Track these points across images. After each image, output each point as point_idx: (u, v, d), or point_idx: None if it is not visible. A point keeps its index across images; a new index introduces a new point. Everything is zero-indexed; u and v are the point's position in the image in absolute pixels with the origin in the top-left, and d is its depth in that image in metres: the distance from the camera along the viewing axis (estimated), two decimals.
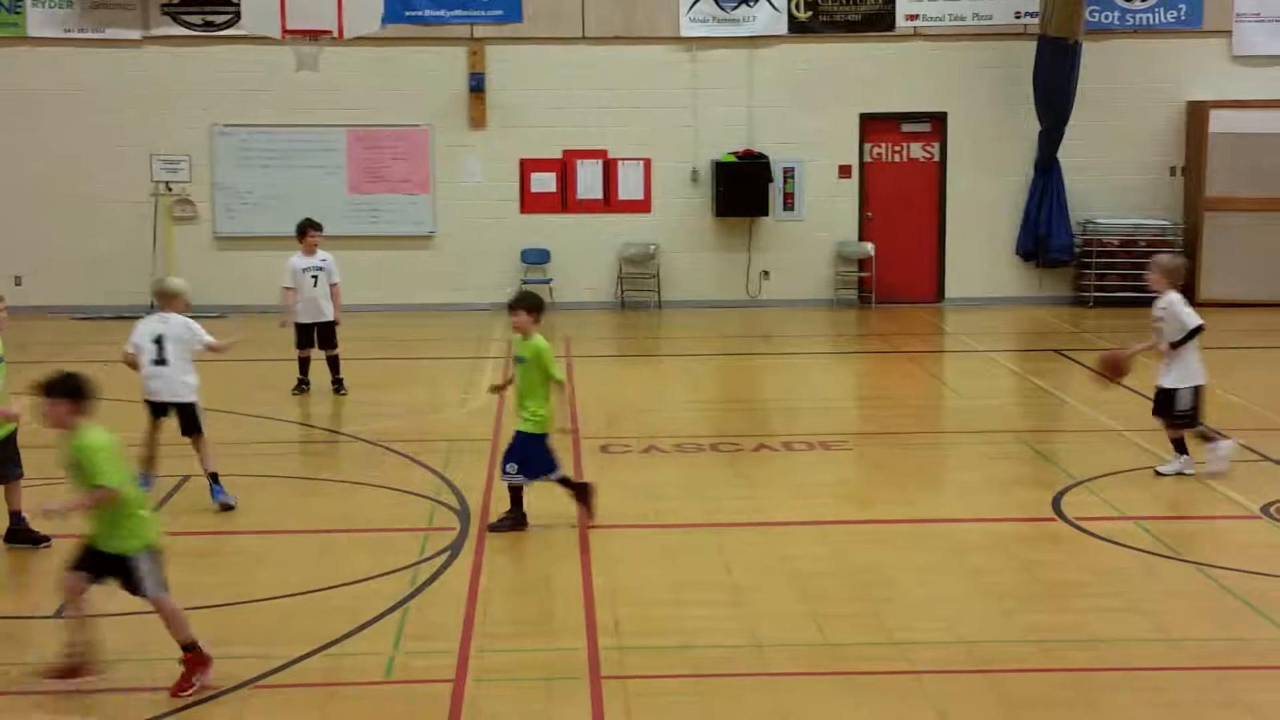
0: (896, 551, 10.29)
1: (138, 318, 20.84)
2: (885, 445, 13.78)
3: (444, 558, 10.06)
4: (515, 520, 10.73)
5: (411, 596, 9.28)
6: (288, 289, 15.56)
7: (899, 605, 9.15)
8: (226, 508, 11.28)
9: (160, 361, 11.39)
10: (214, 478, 11.44)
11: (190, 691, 7.77)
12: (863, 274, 22.40)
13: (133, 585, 7.88)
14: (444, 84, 21.74)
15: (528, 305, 10.57)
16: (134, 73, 21.39)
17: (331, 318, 15.57)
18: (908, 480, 12.46)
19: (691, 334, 20.33)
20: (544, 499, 10.95)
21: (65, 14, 21.20)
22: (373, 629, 8.70)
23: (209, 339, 11.60)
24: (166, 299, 11.79)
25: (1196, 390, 11.93)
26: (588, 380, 16.39)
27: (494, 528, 10.71)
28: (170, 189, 21.62)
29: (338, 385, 15.58)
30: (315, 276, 15.60)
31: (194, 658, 7.87)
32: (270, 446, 13.48)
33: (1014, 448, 13.46)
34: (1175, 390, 11.93)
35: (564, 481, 10.90)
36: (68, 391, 7.96)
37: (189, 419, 11.46)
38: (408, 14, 21.33)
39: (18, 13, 21.14)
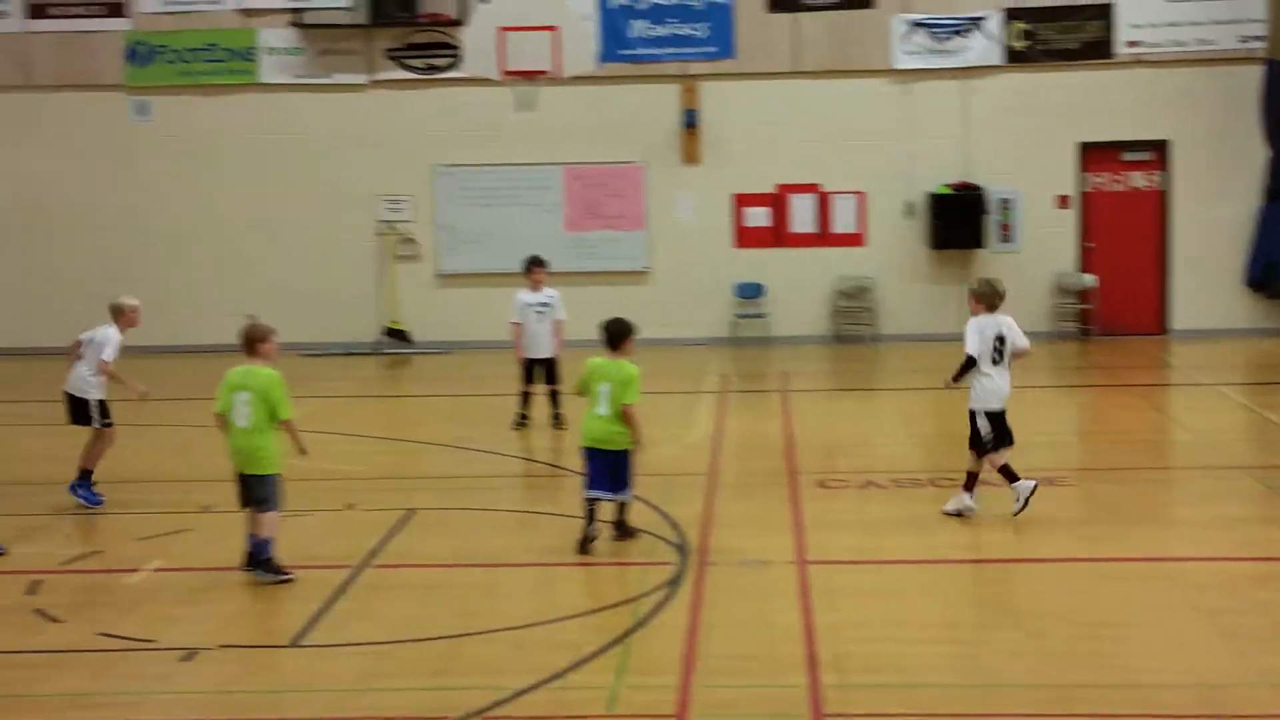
0: (1124, 590, 10.05)
1: (365, 354, 21.66)
2: (1110, 481, 13.48)
3: (664, 592, 10.11)
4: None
5: (633, 630, 9.34)
6: (515, 324, 15.85)
7: (1130, 645, 8.93)
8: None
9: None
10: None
11: None
12: (1083, 305, 21.97)
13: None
14: (658, 121, 21.97)
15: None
16: (359, 116, 22.04)
17: (552, 354, 15.79)
18: (1134, 517, 12.16)
19: (907, 367, 20.15)
20: (757, 537, 10.93)
21: (295, 61, 21.96)
22: (595, 662, 8.78)
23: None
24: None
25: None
26: (804, 414, 16.37)
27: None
28: (394, 228, 22.20)
29: (557, 420, 15.79)
30: (540, 312, 15.87)
31: None
32: (495, 480, 13.72)
33: (1244, 484, 13.06)
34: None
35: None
36: None
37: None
38: (622, 53, 21.63)
39: (251, 60, 21.96)
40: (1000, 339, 11.89)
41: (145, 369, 20.44)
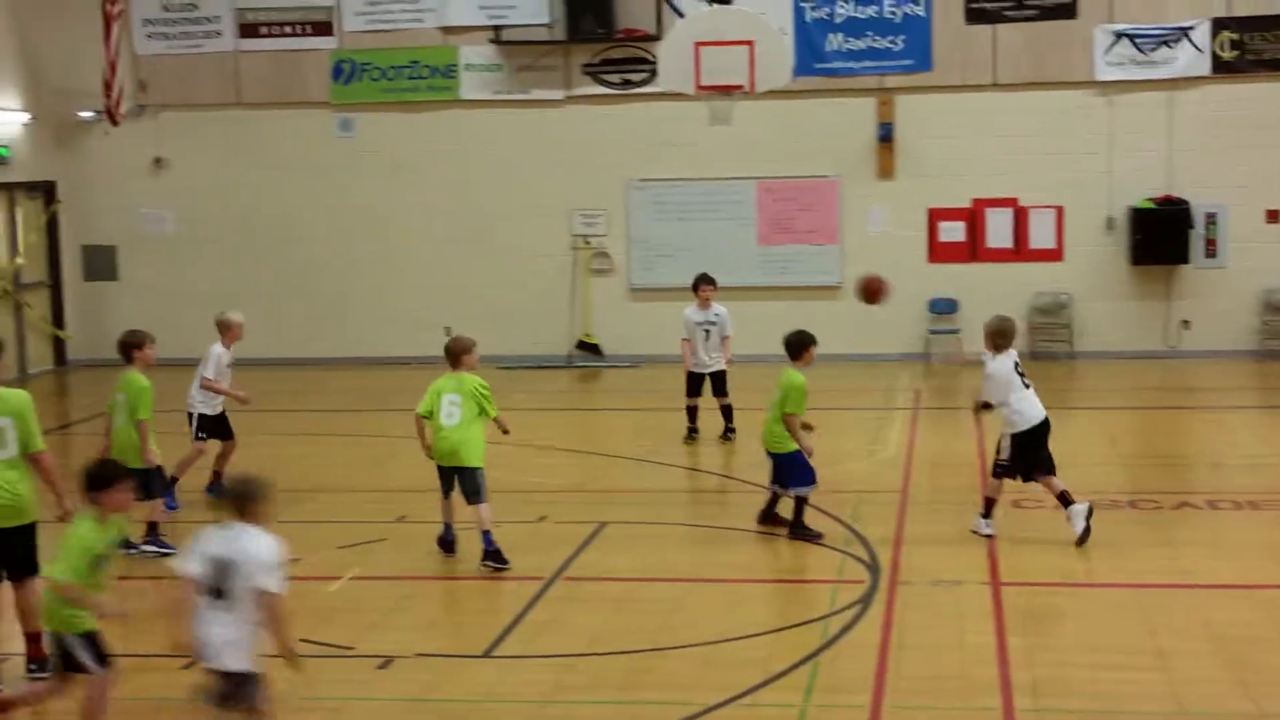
0: None
1: (557, 368, 21.89)
2: None
3: (854, 610, 10.05)
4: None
5: (823, 649, 9.30)
6: (685, 340, 15.96)
7: None
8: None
9: None
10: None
11: None
12: None
13: None
14: (852, 134, 21.82)
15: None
16: (555, 131, 22.28)
17: (720, 367, 15.95)
18: None
19: (1106, 386, 19.70)
20: (949, 557, 10.81)
21: (495, 77, 22.29)
22: (784, 680, 8.76)
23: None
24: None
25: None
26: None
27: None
28: (588, 243, 22.41)
29: (729, 433, 15.84)
30: (708, 330, 15.95)
31: None
32: (685, 495, 13.77)
33: None
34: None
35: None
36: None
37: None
38: (818, 66, 21.54)
39: (452, 78, 22.36)
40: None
41: (338, 380, 21.02)
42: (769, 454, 12.16)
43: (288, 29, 22.54)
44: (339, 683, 8.92)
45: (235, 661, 7.24)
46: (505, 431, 11.85)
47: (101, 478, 7.78)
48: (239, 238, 22.88)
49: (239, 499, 7.50)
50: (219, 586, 7.26)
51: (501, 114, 22.36)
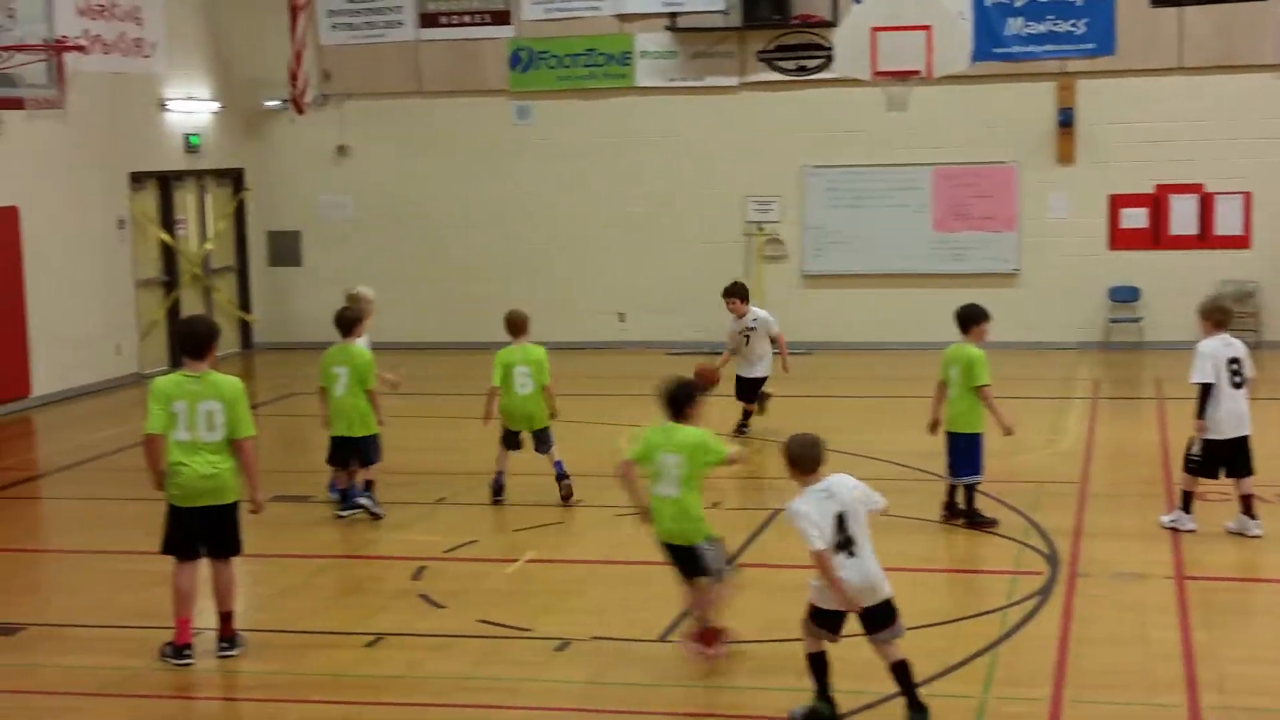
0: None
1: (712, 354, 21.87)
2: None
3: (1033, 602, 9.92)
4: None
5: (1001, 640, 9.21)
6: (729, 352, 16.26)
7: None
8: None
9: None
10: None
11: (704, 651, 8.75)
12: None
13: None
14: (1031, 120, 21.49)
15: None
16: (730, 118, 22.28)
17: (760, 374, 15.97)
18: None
19: None
20: (1130, 550, 10.60)
21: (669, 64, 22.36)
22: (962, 671, 8.69)
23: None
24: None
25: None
26: (1181, 423, 15.73)
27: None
28: (761, 229, 22.38)
29: (740, 428, 16.01)
30: (748, 336, 15.92)
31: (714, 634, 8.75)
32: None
33: None
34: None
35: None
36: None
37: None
38: (996, 51, 21.23)
39: (627, 65, 22.48)
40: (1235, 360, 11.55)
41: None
42: (952, 435, 11.96)
43: (467, 18, 22.85)
44: (516, 664, 9.05)
45: None
46: (553, 414, 12.97)
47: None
48: (417, 223, 23.27)
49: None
50: None
51: (676, 101, 22.42)
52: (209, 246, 22.83)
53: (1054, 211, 21.64)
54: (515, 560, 11.29)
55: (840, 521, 7.84)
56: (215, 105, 22.81)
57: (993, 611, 9.76)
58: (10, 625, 9.91)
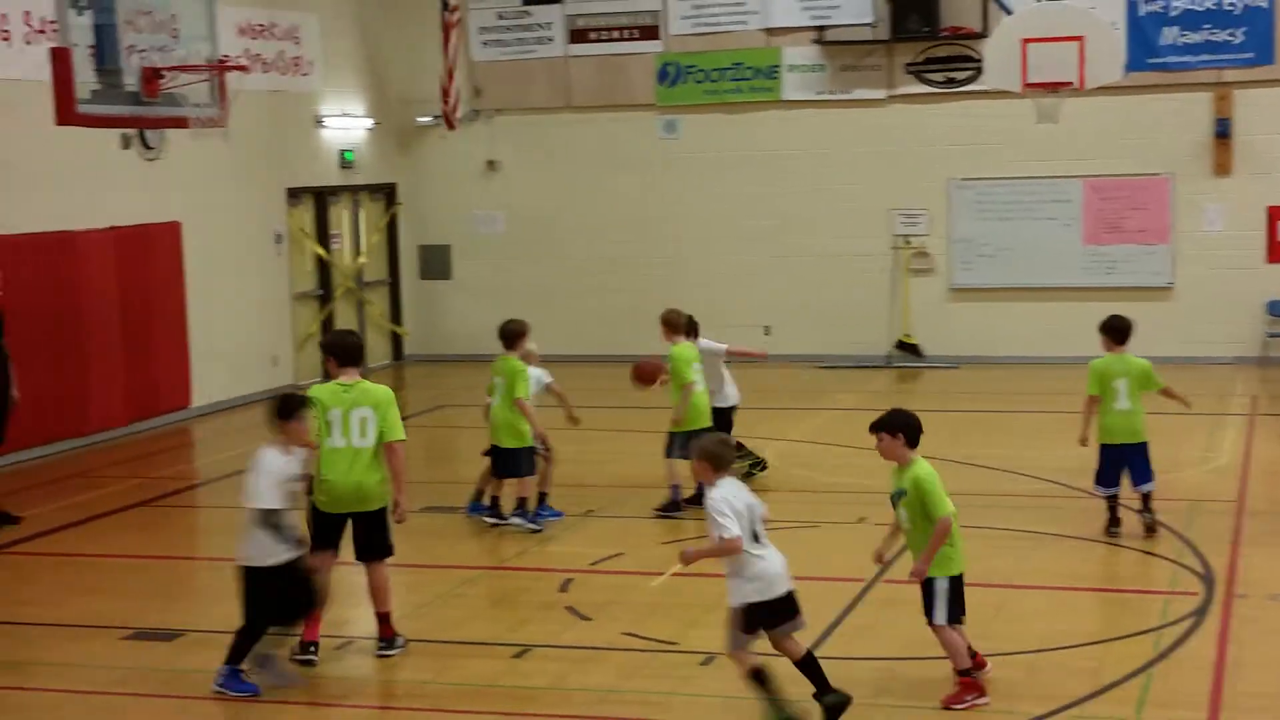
0: None
1: (876, 367, 21.79)
2: None
3: (1188, 623, 9.75)
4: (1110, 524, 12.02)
5: (1155, 662, 9.06)
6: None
7: None
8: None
9: None
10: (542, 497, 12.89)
11: (959, 706, 8.30)
12: None
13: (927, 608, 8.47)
14: (1186, 131, 21.09)
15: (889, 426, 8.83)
16: (877, 131, 22.17)
17: (726, 404, 14.21)
18: None
19: None
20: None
21: (817, 77, 22.32)
22: (1114, 693, 8.56)
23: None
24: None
25: None
26: None
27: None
28: (909, 242, 22.24)
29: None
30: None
31: (967, 682, 8.37)
32: (1006, 499, 13.54)
33: None
34: None
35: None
36: (901, 426, 8.64)
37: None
38: (1151, 61, 20.87)
39: (774, 78, 22.48)
40: None
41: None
42: (1136, 445, 11.96)
43: (615, 34, 23.03)
44: (663, 678, 9.11)
45: None
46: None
47: None
48: (565, 237, 23.49)
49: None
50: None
51: (823, 114, 22.37)
52: (362, 260, 23.25)
53: (1210, 224, 21.21)
54: (662, 573, 11.32)
55: (751, 514, 8.13)
56: (369, 122, 23.24)
57: (1146, 632, 9.61)
58: (170, 630, 10.20)
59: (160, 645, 9.93)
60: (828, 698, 8.09)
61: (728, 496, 8.06)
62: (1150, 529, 12.04)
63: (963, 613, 8.54)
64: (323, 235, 22.29)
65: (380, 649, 9.42)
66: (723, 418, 13.79)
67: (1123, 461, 12.04)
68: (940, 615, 8.41)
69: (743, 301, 22.73)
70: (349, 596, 10.22)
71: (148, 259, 18.23)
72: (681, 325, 13.56)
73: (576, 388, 18.77)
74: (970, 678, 8.36)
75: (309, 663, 9.28)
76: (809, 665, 8.14)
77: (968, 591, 10.66)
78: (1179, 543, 11.75)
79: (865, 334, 22.28)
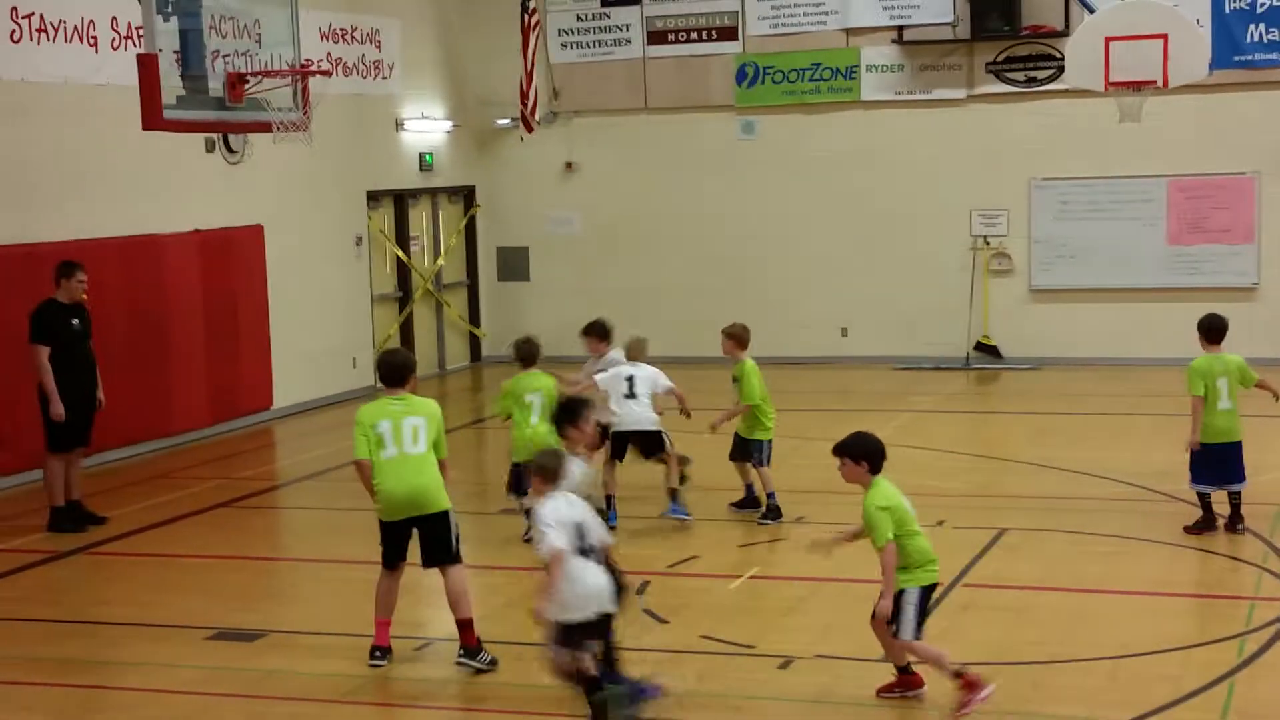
0: None
1: (955, 369, 21.65)
2: None
3: (1273, 629, 9.62)
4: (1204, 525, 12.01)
5: (1239, 669, 8.94)
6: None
7: None
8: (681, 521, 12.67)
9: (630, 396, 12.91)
10: (673, 494, 12.79)
11: (971, 707, 8.18)
12: None
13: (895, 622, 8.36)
14: (1272, 129, 20.79)
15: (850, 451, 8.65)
16: (957, 130, 22.03)
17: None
18: None
19: None
20: None
21: (896, 77, 22.21)
22: (1198, 700, 8.46)
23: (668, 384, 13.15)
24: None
25: None
26: None
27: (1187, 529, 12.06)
28: (989, 243, 22.08)
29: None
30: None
31: (966, 681, 8.25)
32: (1087, 503, 13.42)
33: None
34: None
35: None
36: (865, 454, 8.48)
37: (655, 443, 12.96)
38: (1236, 59, 20.60)
39: (853, 79, 22.39)
40: None
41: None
42: (1234, 444, 12.02)
43: (694, 35, 23.04)
44: (741, 680, 9.10)
45: None
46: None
47: None
48: (643, 239, 23.51)
49: None
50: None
51: (902, 114, 22.26)
52: (441, 262, 23.40)
53: None
54: (739, 576, 11.34)
55: (579, 530, 8.15)
56: (448, 124, 23.38)
57: (1230, 639, 9.48)
58: (251, 631, 10.31)
59: (242, 645, 10.04)
60: (597, 695, 8.16)
61: (556, 509, 8.15)
62: (1238, 529, 11.91)
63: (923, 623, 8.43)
64: (402, 237, 22.45)
65: (460, 657, 9.42)
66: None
67: (1221, 460, 12.00)
68: (909, 630, 8.28)
69: (820, 302, 22.68)
70: (427, 596, 10.29)
71: (231, 262, 18.44)
72: (747, 340, 13.40)
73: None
74: (965, 675, 8.26)
75: (377, 667, 9.35)
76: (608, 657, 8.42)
77: (1050, 597, 10.65)
78: (1264, 547, 11.60)
79: (944, 335, 22.13)
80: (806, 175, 22.74)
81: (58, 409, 13.27)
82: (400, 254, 22.32)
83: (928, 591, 8.46)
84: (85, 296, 13.67)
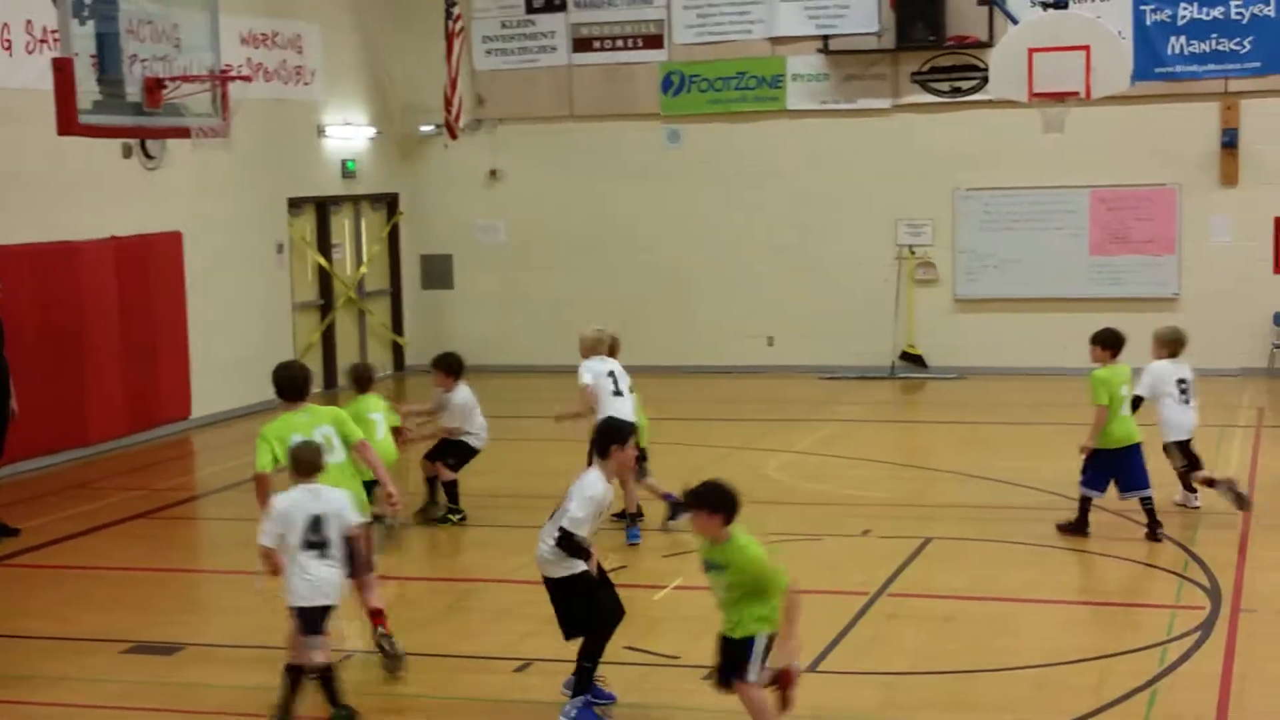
0: None
1: (880, 379, 21.73)
2: None
3: (1194, 638, 9.66)
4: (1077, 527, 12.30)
5: (1160, 677, 8.97)
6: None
7: None
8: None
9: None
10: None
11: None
12: None
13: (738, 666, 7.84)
14: (1193, 141, 21.01)
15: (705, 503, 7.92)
16: (881, 140, 22.10)
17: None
18: None
19: None
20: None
21: (821, 87, 22.25)
22: (1120, 708, 8.47)
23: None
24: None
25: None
26: None
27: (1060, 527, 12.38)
28: (913, 253, 22.17)
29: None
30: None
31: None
32: (1011, 512, 13.46)
33: None
34: None
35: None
36: (721, 506, 7.84)
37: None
38: (1158, 71, 20.80)
39: (779, 88, 22.42)
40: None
41: (663, 389, 21.25)
42: (1131, 448, 12.26)
43: (619, 43, 22.99)
44: (665, 691, 9.03)
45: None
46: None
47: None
48: (568, 247, 23.42)
49: None
50: None
51: (827, 123, 22.31)
52: (363, 270, 23.20)
53: (1216, 235, 21.13)
54: (664, 587, 11.26)
55: (317, 523, 8.42)
56: (371, 131, 23.20)
57: (1151, 647, 9.52)
58: (169, 644, 10.13)
59: (161, 659, 9.85)
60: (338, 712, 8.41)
61: (291, 500, 8.49)
62: (1158, 536, 12.04)
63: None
64: (324, 245, 22.24)
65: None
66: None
67: (1127, 465, 12.17)
68: (754, 672, 7.88)
69: (746, 311, 22.68)
70: (346, 609, 10.14)
71: (149, 269, 18.17)
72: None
73: (575, 397, 18.61)
74: None
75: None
76: (325, 680, 8.47)
77: (974, 606, 10.66)
78: (1184, 555, 11.67)
79: (870, 344, 22.20)
80: (732, 184, 22.74)
81: None
82: (322, 261, 22.10)
83: (774, 638, 7.83)
84: None
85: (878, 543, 12.33)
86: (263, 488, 9.31)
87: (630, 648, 9.69)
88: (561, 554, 8.50)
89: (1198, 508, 12.97)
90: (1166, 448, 12.97)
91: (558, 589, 8.67)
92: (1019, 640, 9.83)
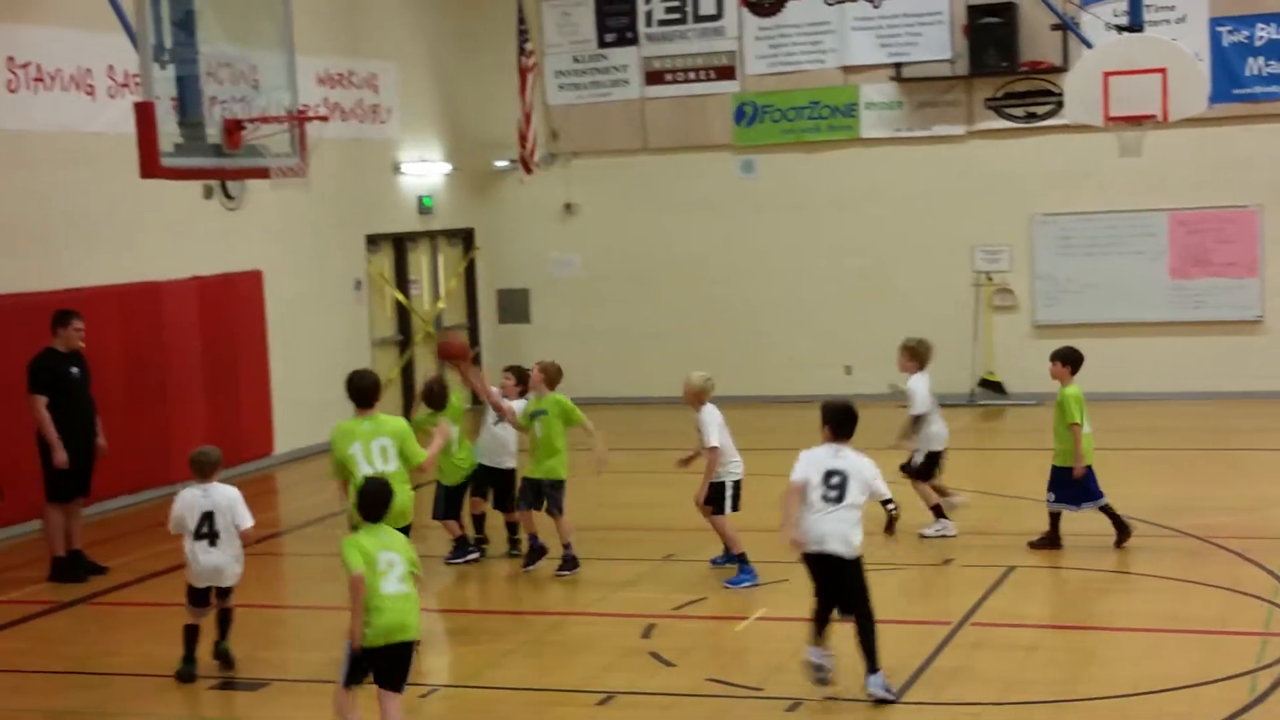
0: None
1: (957, 405, 21.55)
2: None
3: None
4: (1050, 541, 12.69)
5: (1251, 706, 8.84)
6: None
7: None
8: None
9: None
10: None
11: None
12: None
13: None
14: (1272, 162, 20.76)
15: None
16: (957, 167, 22.01)
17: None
18: None
19: None
20: None
21: (895, 115, 22.21)
22: None
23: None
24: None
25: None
26: None
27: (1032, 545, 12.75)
28: (990, 278, 22.03)
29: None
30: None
31: None
32: (1096, 539, 13.31)
33: None
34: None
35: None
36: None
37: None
38: (1235, 92, 20.60)
39: (852, 116, 22.40)
40: None
41: (741, 419, 21.17)
42: (1089, 465, 12.81)
43: (691, 75, 23.06)
44: None
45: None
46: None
47: None
48: (643, 279, 23.47)
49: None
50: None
51: (902, 151, 22.25)
52: (441, 305, 23.36)
53: None
54: (745, 618, 11.24)
55: (209, 519, 10.29)
56: (447, 167, 23.38)
57: (1241, 675, 9.38)
58: (256, 680, 10.22)
59: (247, 694, 9.95)
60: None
61: (179, 500, 10.50)
62: (1125, 543, 12.64)
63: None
64: (402, 281, 22.42)
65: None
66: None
67: (1088, 481, 12.77)
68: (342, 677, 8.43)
69: (823, 341, 22.61)
70: (430, 644, 10.19)
71: (230, 308, 18.40)
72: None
73: (654, 430, 18.81)
74: None
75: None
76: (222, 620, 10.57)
77: (1059, 634, 10.55)
78: (1273, 581, 11.49)
79: (947, 372, 21.98)
80: (807, 213, 22.71)
81: (61, 456, 13.21)
82: (400, 297, 22.28)
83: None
84: (83, 344, 13.62)
85: (961, 571, 12.25)
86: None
87: (713, 679, 9.68)
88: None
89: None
90: (930, 457, 13.87)
91: (854, 568, 9.25)
92: (1105, 669, 9.73)
